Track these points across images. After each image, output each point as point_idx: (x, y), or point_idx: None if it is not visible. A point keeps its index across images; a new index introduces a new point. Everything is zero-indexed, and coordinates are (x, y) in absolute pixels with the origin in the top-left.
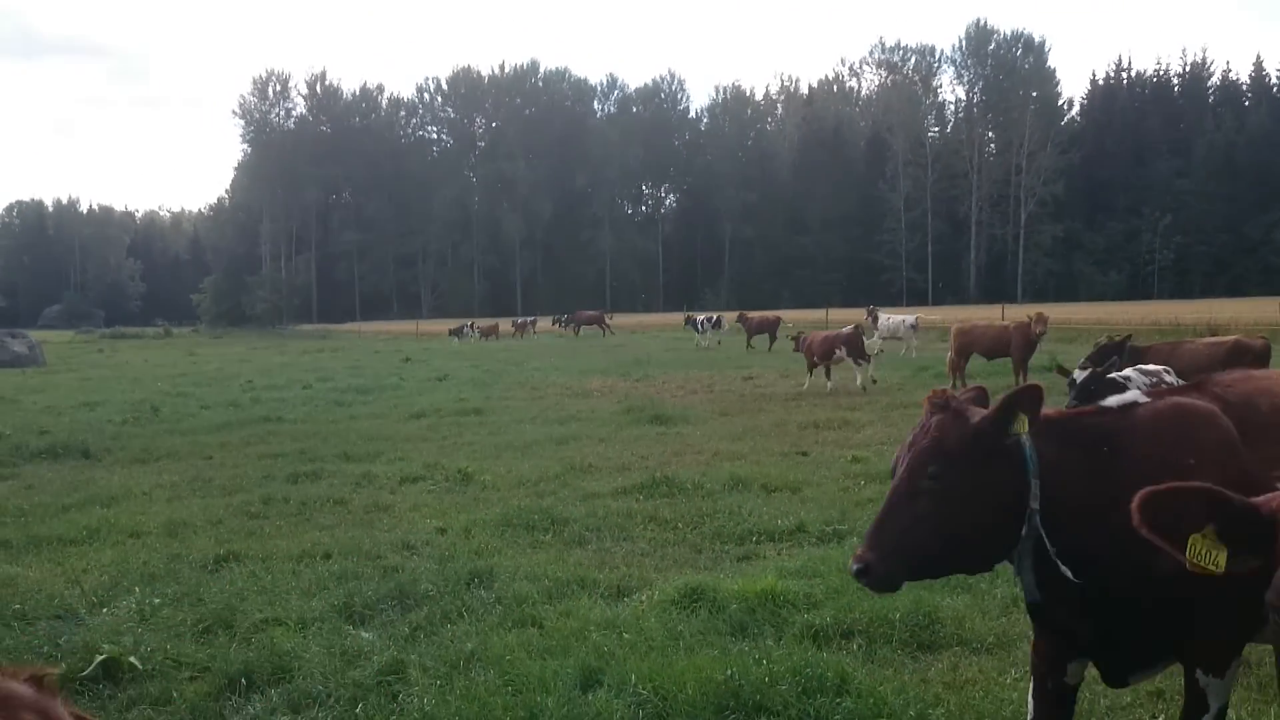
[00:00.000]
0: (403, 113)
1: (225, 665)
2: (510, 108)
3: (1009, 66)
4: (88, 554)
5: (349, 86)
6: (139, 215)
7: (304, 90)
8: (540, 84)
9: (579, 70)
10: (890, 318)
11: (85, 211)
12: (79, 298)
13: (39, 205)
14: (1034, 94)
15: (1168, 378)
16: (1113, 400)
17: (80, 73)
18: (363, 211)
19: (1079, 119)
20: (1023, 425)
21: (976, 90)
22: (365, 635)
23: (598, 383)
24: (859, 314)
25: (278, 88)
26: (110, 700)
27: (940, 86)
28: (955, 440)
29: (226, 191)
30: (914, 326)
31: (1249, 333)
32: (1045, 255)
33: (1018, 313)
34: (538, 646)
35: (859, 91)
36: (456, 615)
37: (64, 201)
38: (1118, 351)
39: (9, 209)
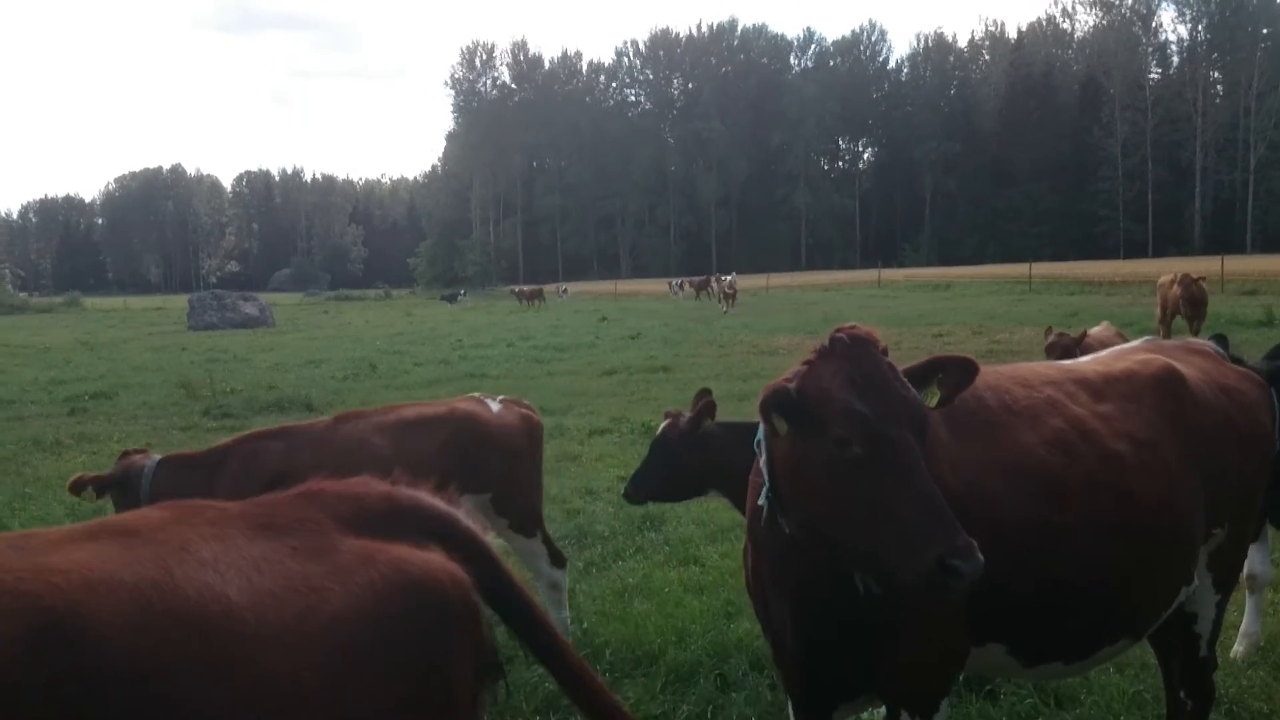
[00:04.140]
0: (602, 77)
1: None
2: (706, 67)
3: (1235, 3)
4: None
5: (549, 54)
6: (359, 184)
7: (508, 60)
8: (737, 42)
9: (776, 25)
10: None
11: (309, 181)
12: (306, 262)
13: (266, 175)
14: (1264, 30)
15: None
16: None
17: (294, 45)
18: (564, 176)
19: None
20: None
21: (1200, 29)
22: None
23: (784, 340)
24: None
25: (484, 57)
26: None
27: (1160, 26)
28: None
29: (439, 160)
30: (732, 283)
31: None
32: (1277, 203)
33: (1241, 265)
34: (695, 583)
35: (1072, 33)
36: (628, 554)
37: (289, 171)
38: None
39: (238, 179)
